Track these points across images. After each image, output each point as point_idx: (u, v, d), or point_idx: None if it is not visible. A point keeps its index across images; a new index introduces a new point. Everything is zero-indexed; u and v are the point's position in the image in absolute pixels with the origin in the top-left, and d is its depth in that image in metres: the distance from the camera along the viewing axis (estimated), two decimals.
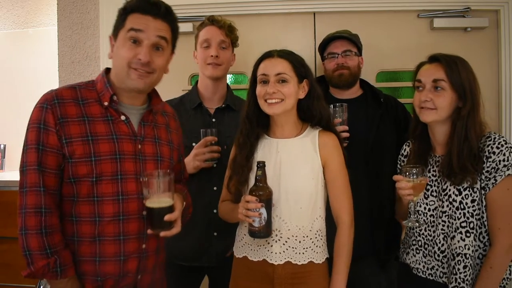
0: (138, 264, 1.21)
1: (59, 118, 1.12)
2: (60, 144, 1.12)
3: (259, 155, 1.41)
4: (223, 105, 1.78)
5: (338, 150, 1.39)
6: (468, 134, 1.33)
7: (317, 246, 1.36)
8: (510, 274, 1.36)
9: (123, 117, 1.21)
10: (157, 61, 1.19)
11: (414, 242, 1.47)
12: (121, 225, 1.16)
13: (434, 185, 1.42)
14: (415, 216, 1.41)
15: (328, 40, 1.84)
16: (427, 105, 1.37)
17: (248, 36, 2.09)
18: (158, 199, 1.14)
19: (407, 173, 1.32)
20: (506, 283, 1.36)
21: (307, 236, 1.35)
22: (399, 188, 1.34)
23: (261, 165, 1.28)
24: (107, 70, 1.26)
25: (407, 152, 1.56)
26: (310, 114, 1.41)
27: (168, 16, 1.21)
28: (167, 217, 1.15)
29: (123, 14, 1.19)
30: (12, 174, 2.77)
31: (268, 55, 1.38)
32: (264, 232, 1.28)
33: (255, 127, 1.42)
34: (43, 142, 1.11)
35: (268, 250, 1.36)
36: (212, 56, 1.72)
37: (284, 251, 1.35)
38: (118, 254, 1.16)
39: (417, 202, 1.44)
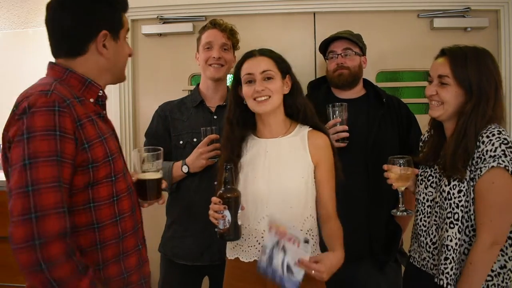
0: (146, 250, 1.23)
1: (76, 121, 0.99)
2: (75, 153, 0.98)
3: (248, 157, 1.41)
4: (224, 103, 1.80)
5: (330, 151, 1.40)
6: (468, 131, 1.29)
7: None
8: (503, 282, 1.29)
9: (104, 112, 1.18)
10: None
11: (412, 231, 1.51)
12: (135, 216, 1.17)
13: (436, 177, 1.41)
14: (403, 205, 1.45)
15: (329, 41, 1.84)
16: (434, 98, 1.38)
17: (248, 36, 2.09)
18: (152, 172, 1.24)
19: (394, 163, 1.39)
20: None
21: None
22: (386, 177, 1.41)
23: (228, 168, 1.28)
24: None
25: (425, 137, 1.55)
26: (296, 109, 1.42)
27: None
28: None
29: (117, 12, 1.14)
30: None
31: (250, 55, 1.40)
32: (229, 234, 1.26)
33: (239, 129, 1.42)
34: (61, 152, 0.93)
35: (259, 251, 1.34)
36: (214, 57, 1.75)
37: None
38: (136, 244, 1.16)
39: (418, 191, 1.47)
